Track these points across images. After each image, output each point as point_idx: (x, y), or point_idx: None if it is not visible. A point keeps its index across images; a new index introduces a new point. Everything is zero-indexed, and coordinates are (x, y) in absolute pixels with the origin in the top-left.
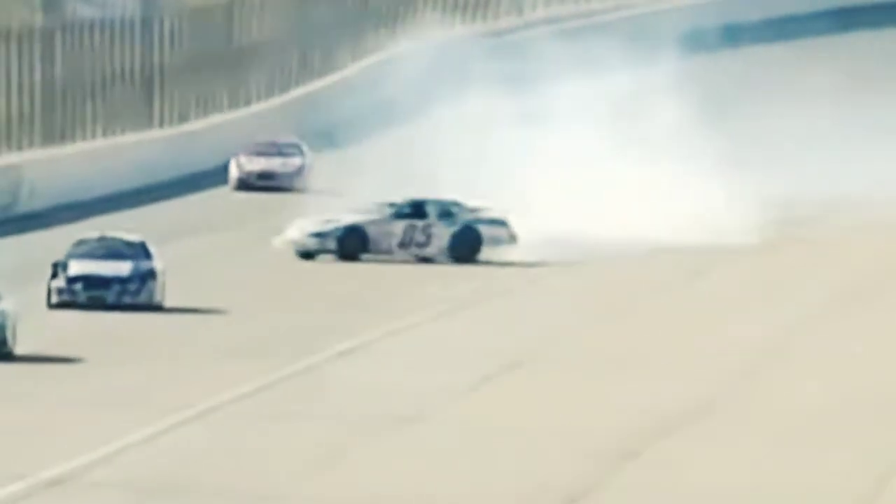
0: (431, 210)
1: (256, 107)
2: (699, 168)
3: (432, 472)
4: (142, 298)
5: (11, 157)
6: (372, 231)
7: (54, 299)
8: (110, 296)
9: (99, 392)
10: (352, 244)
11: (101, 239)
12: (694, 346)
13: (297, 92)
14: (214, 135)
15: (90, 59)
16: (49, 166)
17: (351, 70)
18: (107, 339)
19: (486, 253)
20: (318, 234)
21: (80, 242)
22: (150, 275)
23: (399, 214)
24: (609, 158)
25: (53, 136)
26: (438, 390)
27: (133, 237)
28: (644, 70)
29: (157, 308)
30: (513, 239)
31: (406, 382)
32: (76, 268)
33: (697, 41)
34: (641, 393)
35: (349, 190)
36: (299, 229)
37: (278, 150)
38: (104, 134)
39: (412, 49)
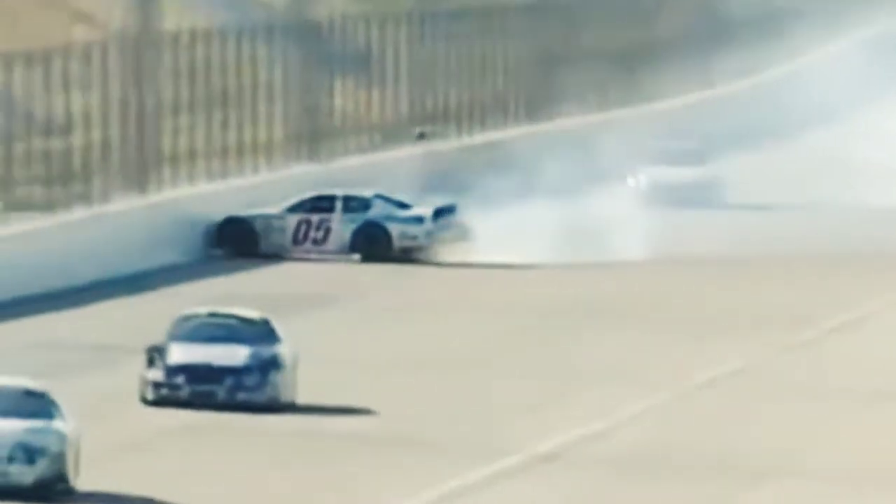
0: (338, 205)
1: (724, 90)
2: None
3: None
4: (263, 396)
5: (495, 134)
6: (260, 225)
7: (150, 395)
8: (221, 391)
9: (592, 365)
10: (233, 238)
11: (212, 315)
12: None
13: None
14: (685, 116)
15: (575, 34)
16: (530, 143)
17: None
18: (589, 308)
19: (403, 252)
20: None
21: (186, 319)
22: (274, 364)
23: (294, 208)
24: None
25: (536, 112)
26: None
27: (254, 314)
28: None
29: (288, 408)
30: (429, 236)
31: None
32: (178, 354)
33: None
34: None
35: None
36: None
37: (686, 158)
38: (594, 109)
39: (839, 50)
